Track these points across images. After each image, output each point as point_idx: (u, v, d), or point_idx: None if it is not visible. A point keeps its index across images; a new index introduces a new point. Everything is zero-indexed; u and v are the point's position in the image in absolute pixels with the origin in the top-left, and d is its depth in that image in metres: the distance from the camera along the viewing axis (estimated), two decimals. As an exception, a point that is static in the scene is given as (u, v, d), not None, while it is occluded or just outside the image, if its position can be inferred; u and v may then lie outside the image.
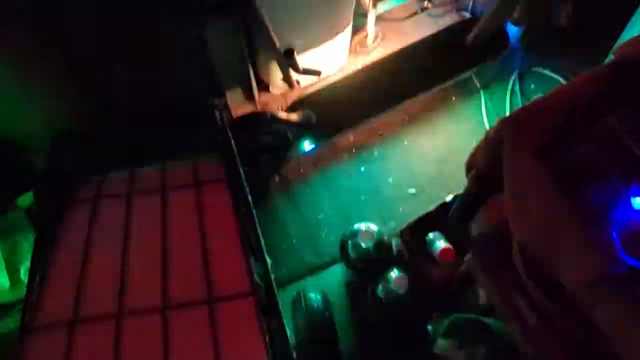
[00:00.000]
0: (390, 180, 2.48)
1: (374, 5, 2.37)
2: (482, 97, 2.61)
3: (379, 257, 1.91)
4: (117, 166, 1.85)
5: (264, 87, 2.51)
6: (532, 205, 1.00)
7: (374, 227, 1.93)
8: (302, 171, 2.51)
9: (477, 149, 1.15)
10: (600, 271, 0.87)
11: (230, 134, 1.88)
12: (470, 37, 2.40)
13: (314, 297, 1.96)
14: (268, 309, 1.50)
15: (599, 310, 0.90)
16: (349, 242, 1.93)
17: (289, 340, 1.46)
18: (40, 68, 1.68)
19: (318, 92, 2.53)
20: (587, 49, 2.08)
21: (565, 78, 2.59)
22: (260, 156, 2.30)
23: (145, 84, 1.91)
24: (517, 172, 1.01)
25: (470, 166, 1.22)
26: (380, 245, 1.90)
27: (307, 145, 2.35)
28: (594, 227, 0.90)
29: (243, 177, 1.78)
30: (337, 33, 2.36)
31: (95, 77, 1.81)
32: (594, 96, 0.99)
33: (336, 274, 2.22)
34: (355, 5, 2.39)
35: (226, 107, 2.34)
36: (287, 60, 2.12)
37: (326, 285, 2.19)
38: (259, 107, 2.46)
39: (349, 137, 2.58)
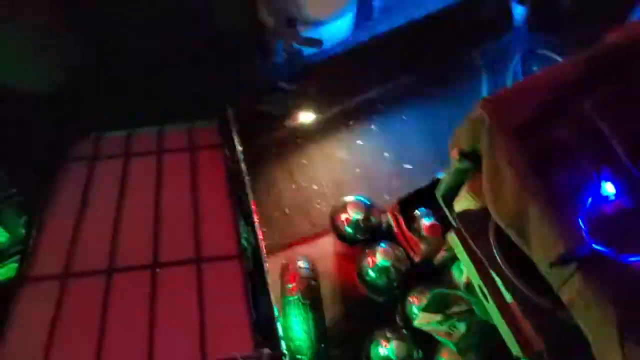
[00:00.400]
0: (387, 154, 2.50)
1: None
2: (484, 76, 2.61)
3: (367, 229, 1.95)
4: (115, 127, 1.88)
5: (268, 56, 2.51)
6: (507, 184, 1.03)
7: (364, 200, 1.96)
8: (298, 141, 2.53)
9: (460, 129, 1.18)
10: (566, 252, 0.91)
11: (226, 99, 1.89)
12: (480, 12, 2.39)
13: (302, 264, 2.01)
14: (254, 272, 1.55)
15: (566, 289, 0.94)
16: (339, 213, 1.96)
17: (272, 303, 1.51)
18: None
19: (321, 63, 2.54)
20: (592, 33, 2.06)
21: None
22: (260, 125, 2.32)
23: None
24: (495, 151, 1.04)
25: (453, 146, 1.24)
26: (369, 218, 1.93)
27: (304, 116, 2.36)
28: (562, 208, 0.93)
29: (237, 144, 1.81)
30: (339, 4, 2.35)
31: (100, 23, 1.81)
32: (572, 81, 1.01)
33: (328, 244, 2.26)
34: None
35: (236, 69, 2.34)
36: (288, 29, 2.12)
37: (317, 255, 2.23)
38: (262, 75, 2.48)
39: (349, 109, 2.59)
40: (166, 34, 1.82)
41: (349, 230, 1.95)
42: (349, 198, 1.99)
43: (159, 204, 1.67)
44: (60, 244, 1.59)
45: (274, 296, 1.55)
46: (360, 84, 2.46)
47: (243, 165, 1.79)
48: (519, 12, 2.49)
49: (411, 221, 1.84)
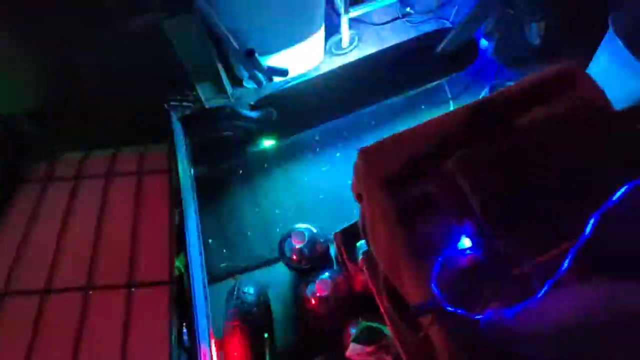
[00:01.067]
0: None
1: (346, 10, 2.41)
2: (451, 107, 2.63)
3: (312, 258, 1.98)
4: (70, 148, 1.95)
5: (239, 81, 2.58)
6: (380, 234, 1.07)
7: (310, 229, 2.00)
8: (265, 166, 2.58)
9: (353, 173, 1.22)
10: (423, 301, 0.94)
11: (179, 126, 1.95)
12: (440, 46, 2.43)
13: (247, 289, 2.04)
14: (183, 300, 1.59)
15: (430, 331, 0.98)
16: (285, 241, 2.00)
17: (198, 332, 1.55)
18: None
19: (289, 90, 2.60)
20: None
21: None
22: (221, 150, 2.38)
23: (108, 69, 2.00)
24: (370, 199, 1.08)
25: (352, 188, 1.28)
26: (313, 247, 1.97)
27: (266, 142, 2.41)
28: (421, 261, 0.97)
29: (186, 169, 1.87)
30: (306, 34, 2.42)
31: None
32: (446, 135, 1.04)
33: (283, 269, 2.30)
34: (332, 7, 2.45)
35: (197, 98, 2.42)
36: (248, 60, 2.18)
37: (272, 279, 2.27)
38: (232, 100, 2.55)
39: (315, 136, 2.63)
40: (122, 57, 1.89)
41: (295, 258, 1.99)
42: (297, 227, 2.03)
43: (100, 227, 1.73)
44: (2, 262, 1.66)
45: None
46: (328, 111, 2.50)
47: (191, 190, 1.84)
48: (485, 45, 2.52)
49: (353, 252, 1.87)
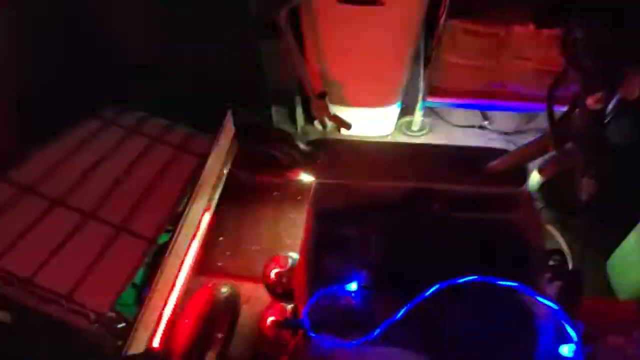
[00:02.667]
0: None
1: (424, 98, 2.58)
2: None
3: (287, 287, 2.10)
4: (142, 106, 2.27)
5: (310, 118, 2.82)
6: (302, 253, 1.20)
7: (296, 258, 2.13)
8: (298, 198, 2.75)
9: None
10: (292, 318, 1.07)
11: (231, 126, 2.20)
12: (491, 164, 2.51)
13: (224, 288, 2.18)
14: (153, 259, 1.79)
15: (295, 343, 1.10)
16: (269, 264, 2.14)
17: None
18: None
19: (347, 143, 2.80)
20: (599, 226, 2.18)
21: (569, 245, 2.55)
22: (265, 165, 2.60)
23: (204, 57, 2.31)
24: (306, 224, 1.22)
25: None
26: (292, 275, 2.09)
27: (306, 177, 2.60)
28: (314, 287, 1.09)
29: (216, 166, 2.10)
30: (382, 103, 2.61)
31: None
32: (385, 198, 1.17)
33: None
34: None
35: (270, 118, 2.68)
36: (319, 100, 2.40)
37: (253, 296, 2.37)
38: (298, 131, 2.80)
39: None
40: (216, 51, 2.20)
41: (272, 280, 2.12)
42: (288, 253, 2.17)
43: (128, 171, 1.99)
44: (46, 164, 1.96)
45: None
46: (369, 173, 2.63)
47: (211, 186, 2.06)
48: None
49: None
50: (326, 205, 1.14)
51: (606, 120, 2.16)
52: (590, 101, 1.83)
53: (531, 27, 2.17)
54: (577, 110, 1.98)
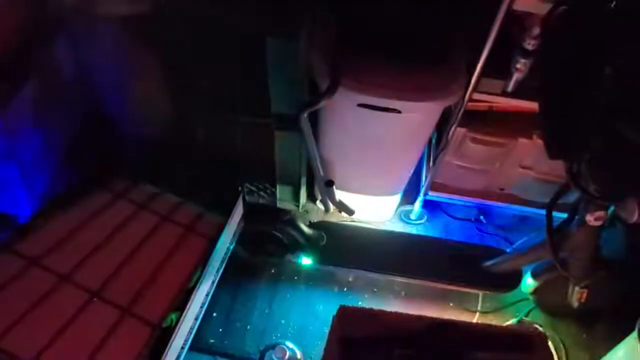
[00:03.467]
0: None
1: (425, 192, 2.67)
2: (475, 319, 2.71)
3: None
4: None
5: (313, 198, 2.88)
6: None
7: (296, 352, 2.14)
8: (295, 278, 2.77)
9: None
10: None
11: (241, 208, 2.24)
12: (487, 263, 2.58)
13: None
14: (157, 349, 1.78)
15: None
16: (269, 349, 2.14)
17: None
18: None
19: (348, 227, 2.86)
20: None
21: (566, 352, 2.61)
22: (265, 244, 2.63)
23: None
24: (325, 349, 1.25)
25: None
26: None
27: (306, 259, 2.64)
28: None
29: (226, 246, 2.13)
30: (385, 193, 2.69)
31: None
32: (405, 330, 1.21)
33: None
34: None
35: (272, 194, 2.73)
36: (326, 188, 2.47)
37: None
38: (299, 210, 2.84)
39: (349, 277, 2.81)
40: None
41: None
42: (286, 343, 2.18)
43: (137, 251, 2.01)
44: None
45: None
46: (371, 262, 2.68)
47: (220, 265, 2.08)
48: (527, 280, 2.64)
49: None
50: (349, 332, 1.18)
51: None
52: (590, 218, 1.93)
53: (535, 139, 2.29)
54: (576, 221, 2.08)
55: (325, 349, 1.27)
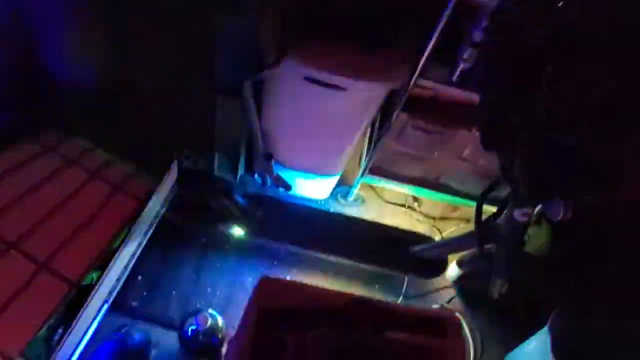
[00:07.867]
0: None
1: (363, 174, 2.71)
2: (399, 301, 2.80)
3: (201, 345, 2.09)
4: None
5: (251, 170, 2.85)
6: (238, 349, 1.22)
7: (218, 320, 2.13)
8: (225, 247, 2.76)
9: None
10: None
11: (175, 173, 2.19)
12: (416, 248, 2.66)
13: (135, 334, 2.14)
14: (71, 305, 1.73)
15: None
16: (191, 316, 2.12)
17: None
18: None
19: (284, 203, 2.86)
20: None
21: (481, 341, 2.73)
22: (199, 212, 2.59)
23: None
24: (242, 320, 1.25)
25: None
26: (208, 336, 2.08)
27: (238, 230, 2.62)
28: None
29: (156, 210, 2.07)
30: (324, 173, 2.70)
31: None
32: (326, 306, 1.23)
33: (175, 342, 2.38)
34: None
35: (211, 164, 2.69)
36: (265, 161, 2.46)
37: (163, 344, 2.34)
38: (236, 182, 2.81)
39: (279, 251, 2.82)
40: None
41: (187, 336, 2.09)
42: (210, 311, 2.16)
43: (62, 205, 1.92)
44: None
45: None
46: (302, 239, 2.70)
47: (148, 229, 2.03)
48: (454, 269, 2.74)
49: None
50: (270, 304, 1.18)
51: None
52: (517, 213, 2.02)
53: (474, 131, 2.36)
54: (504, 215, 2.17)
55: (242, 318, 1.27)
